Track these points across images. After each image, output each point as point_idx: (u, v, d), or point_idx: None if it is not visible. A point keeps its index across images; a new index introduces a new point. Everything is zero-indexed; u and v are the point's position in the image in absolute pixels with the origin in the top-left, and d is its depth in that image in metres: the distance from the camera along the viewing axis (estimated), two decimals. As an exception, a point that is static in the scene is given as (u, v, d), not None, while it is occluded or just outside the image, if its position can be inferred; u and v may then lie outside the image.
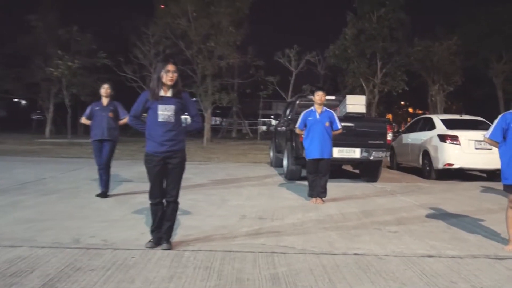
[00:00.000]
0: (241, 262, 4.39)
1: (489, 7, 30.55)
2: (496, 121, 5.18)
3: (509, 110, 5.23)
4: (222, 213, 6.76)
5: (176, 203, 4.81)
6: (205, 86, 26.71)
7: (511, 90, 30.48)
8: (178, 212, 5.04)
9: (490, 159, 10.46)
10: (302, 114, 8.13)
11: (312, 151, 7.84)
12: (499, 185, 5.38)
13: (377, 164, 10.78)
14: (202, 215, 6.52)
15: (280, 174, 11.77)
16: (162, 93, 4.69)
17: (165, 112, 4.64)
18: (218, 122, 51.82)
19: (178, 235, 5.23)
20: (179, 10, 26.03)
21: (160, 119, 4.64)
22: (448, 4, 46.36)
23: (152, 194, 4.78)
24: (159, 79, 4.67)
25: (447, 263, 4.54)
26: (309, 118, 7.90)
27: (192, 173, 10.95)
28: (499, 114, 5.45)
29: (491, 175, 11.77)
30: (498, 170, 5.50)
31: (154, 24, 26.94)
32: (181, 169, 4.77)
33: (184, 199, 6.95)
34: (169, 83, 4.64)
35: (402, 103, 56.54)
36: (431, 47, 28.53)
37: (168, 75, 4.63)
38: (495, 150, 5.34)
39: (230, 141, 31.63)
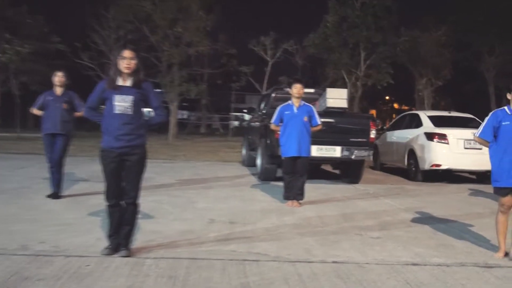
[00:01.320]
0: (208, 270, 4.37)
1: None
2: (486, 119, 5.28)
3: (501, 107, 5.34)
4: (188, 216, 6.73)
5: (135, 205, 4.76)
6: (171, 76, 26.51)
7: (504, 85, 31.16)
8: (139, 215, 4.99)
9: (480, 159, 10.65)
10: (278, 108, 8.15)
11: (288, 149, 7.87)
12: (489, 188, 5.50)
13: (359, 164, 10.88)
14: (166, 219, 6.48)
15: (253, 174, 11.78)
16: (120, 82, 4.64)
17: (122, 103, 4.58)
18: (185, 116, 51.54)
19: (138, 240, 5.17)
20: (144, -9, 25.77)
21: (116, 111, 4.58)
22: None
23: (108, 195, 4.71)
24: (116, 66, 4.61)
25: (432, 272, 4.61)
26: (286, 113, 7.92)
27: (155, 172, 10.86)
28: (490, 111, 5.56)
29: (481, 177, 11.99)
30: (488, 171, 5.60)
31: (115, 6, 26.59)
32: (140, 167, 4.71)
33: (146, 201, 6.90)
34: (125, 71, 4.59)
35: (387, 98, 57.27)
36: (419, 37, 28.92)
37: (124, 62, 4.57)
38: (486, 150, 5.45)
39: (199, 137, 31.52)
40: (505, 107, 5.22)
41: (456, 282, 4.34)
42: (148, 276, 4.16)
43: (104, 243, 4.83)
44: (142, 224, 5.83)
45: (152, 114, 4.93)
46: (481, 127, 5.32)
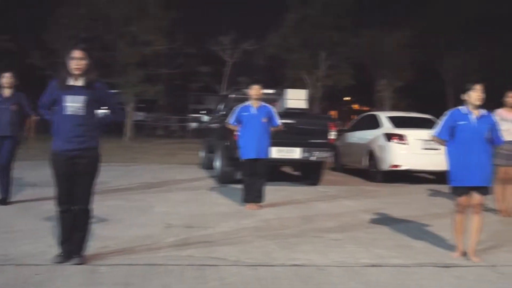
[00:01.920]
0: (166, 276, 4.34)
1: None
2: (444, 118, 5.42)
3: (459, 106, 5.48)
4: (145, 221, 6.66)
5: (87, 211, 4.67)
6: (126, 76, 26.17)
7: (462, 86, 31.92)
8: (94, 221, 4.91)
9: (439, 160, 10.85)
10: (236, 108, 8.16)
11: (247, 151, 7.89)
12: (447, 188, 5.65)
13: (319, 165, 10.99)
14: (121, 224, 6.40)
15: (212, 177, 11.75)
16: (71, 82, 4.56)
17: (73, 103, 4.50)
18: (142, 118, 50.97)
19: (92, 247, 5.08)
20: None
21: (67, 112, 4.50)
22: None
23: (59, 200, 4.62)
24: (66, 66, 4.54)
25: (392, 273, 4.70)
26: (244, 114, 7.94)
27: (111, 176, 10.71)
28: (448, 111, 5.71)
29: (440, 177, 12.27)
30: (446, 171, 5.75)
31: (68, 3, 26.06)
32: (93, 170, 4.63)
33: (101, 206, 6.79)
34: (75, 72, 4.51)
35: (348, 98, 58.06)
36: (380, 38, 29.40)
37: (74, 62, 4.50)
38: (443, 150, 5.59)
39: (156, 139, 31.20)
40: (461, 107, 5.37)
41: (415, 283, 4.44)
42: (102, 284, 4.10)
43: (56, 250, 4.74)
44: (96, 230, 5.73)
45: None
46: (438, 126, 5.46)
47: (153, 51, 27.13)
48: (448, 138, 5.35)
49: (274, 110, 8.19)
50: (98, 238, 5.50)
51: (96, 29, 25.77)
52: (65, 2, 26.03)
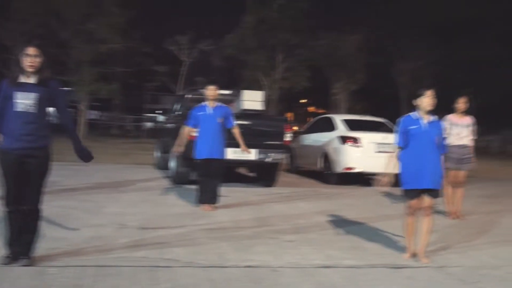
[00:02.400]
0: (117, 278, 4.27)
1: (399, 1, 32.64)
2: (398, 127, 5.56)
3: (412, 111, 5.60)
4: (97, 222, 6.54)
5: (37, 211, 4.55)
6: (81, 74, 25.66)
7: (415, 91, 32.68)
8: (44, 222, 4.79)
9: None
10: (192, 110, 8.10)
11: (201, 151, 7.85)
12: (399, 191, 5.77)
13: (274, 167, 11.04)
14: (72, 225, 6.24)
15: (167, 177, 11.64)
16: (23, 79, 4.43)
17: (24, 100, 4.37)
18: (96, 117, 50.09)
19: (41, 248, 4.95)
20: (52, -18, 24.77)
21: (17, 109, 4.37)
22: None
23: (7, 200, 4.48)
24: (19, 63, 4.41)
25: (344, 274, 4.76)
26: (200, 113, 7.90)
27: (62, 176, 10.46)
28: (401, 115, 5.83)
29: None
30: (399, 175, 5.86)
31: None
32: (43, 170, 4.51)
33: (51, 206, 6.64)
34: (29, 69, 4.39)
35: (304, 101, 58.58)
36: (336, 41, 29.75)
37: (28, 60, 4.37)
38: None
39: (110, 138, 30.67)
40: (412, 113, 5.49)
41: (366, 284, 4.51)
42: (51, 286, 4.01)
43: (3, 252, 4.60)
44: (46, 231, 5.57)
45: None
46: (396, 137, 5.58)
47: (109, 49, 26.68)
48: (404, 144, 5.47)
49: (230, 111, 8.18)
50: (48, 239, 5.35)
51: (51, 26, 25.14)
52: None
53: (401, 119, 5.56)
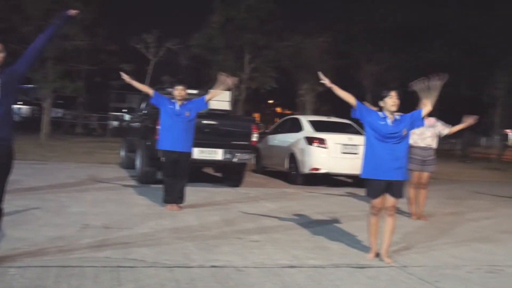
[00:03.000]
0: (79, 279, 4.21)
1: (364, 4, 33.09)
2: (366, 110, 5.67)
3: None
4: (59, 222, 6.43)
5: (-1, 210, 4.45)
6: (44, 71, 25.18)
7: (379, 92, 33.21)
8: (5, 221, 4.68)
9: (356, 164, 11.24)
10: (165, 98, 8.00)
11: (164, 141, 7.76)
12: (363, 191, 5.85)
13: (241, 167, 11.05)
14: (34, 225, 6.14)
15: (133, 177, 11.54)
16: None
17: None
18: (60, 115, 49.23)
19: (2, 248, 4.85)
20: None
21: None
22: (325, -1, 49.27)
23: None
24: None
25: (309, 274, 4.81)
26: (170, 107, 7.81)
27: (24, 174, 10.27)
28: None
29: (357, 180, 12.66)
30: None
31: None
32: (5, 169, 4.37)
33: (12, 205, 6.51)
34: None
35: (271, 101, 58.81)
36: (302, 43, 29.96)
37: None
38: (361, 155, 5.79)
39: (75, 137, 30.21)
40: (379, 112, 5.58)
41: (330, 283, 4.56)
42: (12, 287, 3.92)
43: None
44: (7, 231, 5.47)
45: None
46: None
47: (73, 46, 26.24)
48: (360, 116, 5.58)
49: (198, 100, 8.06)
50: (8, 239, 5.26)
51: (12, 21, 24.58)
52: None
53: (372, 110, 5.63)
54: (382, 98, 5.54)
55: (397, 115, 5.56)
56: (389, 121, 5.46)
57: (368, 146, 5.56)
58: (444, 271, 5.22)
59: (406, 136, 5.55)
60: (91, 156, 16.99)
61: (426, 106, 5.64)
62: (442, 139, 9.72)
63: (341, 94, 5.71)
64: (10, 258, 4.64)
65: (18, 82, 4.43)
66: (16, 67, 4.41)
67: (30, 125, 34.25)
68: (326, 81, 5.75)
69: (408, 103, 6.57)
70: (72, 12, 4.83)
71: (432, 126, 8.45)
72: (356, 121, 12.11)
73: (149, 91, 8.13)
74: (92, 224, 6.40)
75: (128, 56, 29.69)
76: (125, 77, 7.88)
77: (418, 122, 5.63)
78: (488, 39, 32.02)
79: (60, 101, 42.30)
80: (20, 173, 9.94)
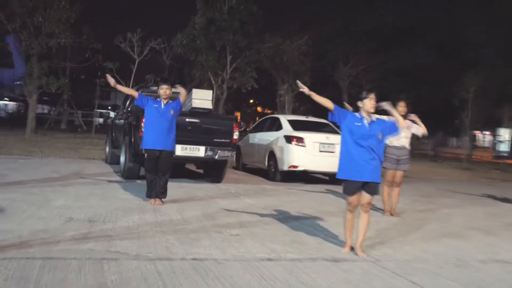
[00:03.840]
0: (63, 270, 4.18)
1: (342, 7, 33.39)
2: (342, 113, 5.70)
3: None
4: (44, 214, 6.36)
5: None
6: (29, 67, 24.83)
7: (356, 94, 33.44)
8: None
9: (333, 162, 11.31)
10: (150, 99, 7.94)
11: (148, 141, 7.73)
12: (339, 188, 5.91)
13: (222, 164, 11.06)
14: (18, 217, 6.06)
15: (116, 172, 11.46)
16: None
17: None
18: (45, 111, 48.59)
19: (-14, 241, 4.81)
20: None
21: None
22: (303, 1, 49.37)
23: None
24: None
25: (286, 267, 4.83)
26: (155, 106, 7.77)
27: (8, 169, 10.15)
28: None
29: (333, 178, 12.72)
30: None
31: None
32: None
33: (-3, 199, 6.43)
34: None
35: (251, 101, 58.76)
36: (282, 44, 30.02)
37: None
38: (338, 153, 5.83)
39: (59, 133, 29.89)
40: (356, 113, 5.61)
41: (307, 276, 4.58)
42: (-4, 278, 3.88)
43: None
44: (-8, 223, 5.42)
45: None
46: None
47: (58, 44, 25.92)
48: (338, 119, 5.59)
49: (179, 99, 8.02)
50: (-7, 231, 5.20)
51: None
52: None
53: (348, 112, 5.66)
54: (361, 99, 5.54)
55: (374, 117, 5.59)
56: (365, 122, 5.49)
57: (344, 148, 5.59)
58: (415, 265, 5.29)
59: (382, 140, 5.59)
60: (76, 151, 16.82)
61: (400, 122, 5.68)
62: (415, 140, 9.81)
63: (319, 100, 5.72)
64: (-5, 250, 4.59)
65: None
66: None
67: (16, 120, 33.78)
68: (305, 89, 5.77)
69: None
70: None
71: (407, 127, 8.53)
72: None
73: (134, 93, 8.08)
74: (76, 217, 6.34)
75: (112, 55, 29.45)
76: (111, 81, 7.81)
77: (394, 132, 5.68)
78: (462, 43, 32.46)
79: (46, 98, 41.71)
80: (5, 167, 9.84)
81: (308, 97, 5.87)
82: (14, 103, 52.58)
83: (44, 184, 9.07)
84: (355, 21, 33.34)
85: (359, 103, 5.56)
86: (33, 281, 3.88)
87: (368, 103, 5.48)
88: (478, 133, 49.08)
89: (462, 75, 28.52)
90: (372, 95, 5.50)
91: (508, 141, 42.23)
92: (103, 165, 13.31)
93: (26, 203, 7.04)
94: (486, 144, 49.84)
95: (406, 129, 8.50)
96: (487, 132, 49.53)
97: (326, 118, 13.95)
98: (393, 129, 5.65)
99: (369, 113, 5.51)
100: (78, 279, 4.01)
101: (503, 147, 41.42)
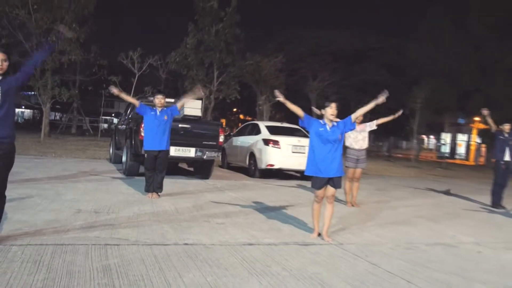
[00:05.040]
0: (72, 254, 4.11)
1: (312, 31, 33.78)
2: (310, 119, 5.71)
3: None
4: (55, 207, 6.25)
5: (3, 197, 4.28)
6: (44, 80, 24.47)
7: (323, 104, 33.77)
8: (6, 206, 4.52)
9: (303, 161, 11.33)
10: (147, 107, 7.87)
11: (150, 143, 7.69)
12: (308, 183, 5.92)
13: (209, 163, 11.01)
14: (33, 209, 5.95)
15: (119, 170, 11.33)
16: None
17: None
18: (58, 117, 47.88)
19: (4, 230, 4.70)
20: (18, 0, 23.42)
21: None
22: (279, 24, 49.69)
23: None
24: None
25: (264, 250, 4.82)
26: (152, 113, 7.72)
27: (25, 167, 9.96)
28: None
29: (304, 175, 12.76)
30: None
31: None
32: (8, 162, 4.18)
33: (15, 193, 6.32)
34: None
35: (235, 110, 58.72)
36: (261, 62, 30.11)
37: None
38: (307, 153, 5.84)
39: (70, 137, 29.45)
40: (320, 120, 5.64)
41: (281, 258, 4.58)
42: (13, 262, 3.80)
43: (-30, 232, 4.32)
44: (9, 214, 5.31)
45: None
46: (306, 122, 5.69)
47: (69, 60, 25.60)
48: (307, 126, 5.58)
49: (173, 106, 7.98)
50: (11, 221, 5.09)
51: (17, 37, 23.79)
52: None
53: (315, 120, 5.66)
54: (324, 107, 5.59)
55: (335, 121, 5.62)
56: (328, 127, 5.52)
57: (311, 149, 5.61)
58: (372, 248, 5.32)
59: (341, 140, 5.61)
60: (83, 152, 16.58)
61: (355, 113, 5.71)
62: (372, 142, 9.92)
63: (292, 108, 5.73)
64: (12, 237, 4.50)
65: (15, 92, 4.25)
66: (14, 81, 4.20)
67: (31, 126, 33.19)
68: (281, 97, 5.77)
69: (343, 114, 6.67)
70: (62, 29, 4.68)
71: (363, 130, 8.62)
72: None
73: (136, 102, 7.99)
74: (83, 209, 6.25)
75: (116, 69, 29.24)
76: (115, 90, 7.73)
77: (349, 126, 5.67)
78: (409, 63, 33.13)
79: (58, 106, 41.10)
80: (22, 166, 9.66)
81: (283, 106, 5.88)
82: (30, 110, 51.75)
83: (56, 180, 8.92)
84: (322, 44, 33.81)
85: (323, 111, 5.61)
86: (46, 264, 3.82)
87: (329, 111, 5.52)
88: (424, 137, 49.72)
89: (409, 89, 29.14)
90: (333, 105, 5.54)
91: (449, 143, 42.98)
92: (107, 164, 13.15)
93: (40, 197, 6.92)
94: (431, 146, 50.48)
95: (363, 132, 8.59)
96: (432, 136, 50.17)
97: (298, 124, 14.05)
98: (349, 124, 5.64)
99: (330, 120, 5.54)
100: (86, 262, 3.96)
101: (445, 149, 42.08)
